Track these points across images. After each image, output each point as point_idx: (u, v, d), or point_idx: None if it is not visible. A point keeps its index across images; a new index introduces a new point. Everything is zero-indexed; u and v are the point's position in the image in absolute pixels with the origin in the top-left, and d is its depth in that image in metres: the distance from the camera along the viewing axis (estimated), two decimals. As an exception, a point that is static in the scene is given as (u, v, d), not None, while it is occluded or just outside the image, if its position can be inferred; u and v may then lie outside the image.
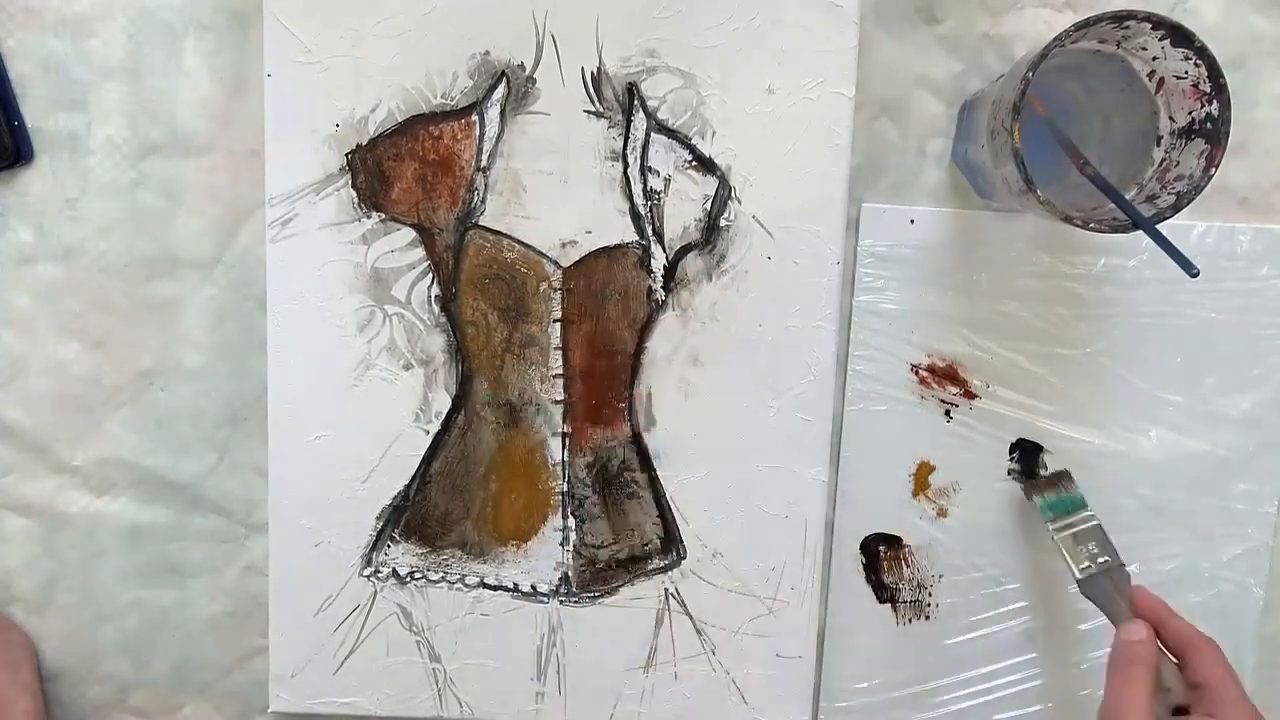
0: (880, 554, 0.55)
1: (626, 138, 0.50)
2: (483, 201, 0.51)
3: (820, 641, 0.55)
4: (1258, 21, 0.52)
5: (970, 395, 0.54)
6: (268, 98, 0.50)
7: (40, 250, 0.52)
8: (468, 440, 0.52)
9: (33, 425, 0.54)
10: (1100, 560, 0.50)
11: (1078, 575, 0.50)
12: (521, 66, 0.50)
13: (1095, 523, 0.51)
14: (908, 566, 0.55)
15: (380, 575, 0.53)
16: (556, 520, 0.53)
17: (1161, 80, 0.46)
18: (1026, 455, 0.54)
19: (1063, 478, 0.52)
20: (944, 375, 0.54)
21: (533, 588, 0.53)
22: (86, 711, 0.56)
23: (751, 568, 0.53)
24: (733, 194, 0.50)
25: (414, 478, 0.52)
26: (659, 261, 0.51)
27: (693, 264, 0.51)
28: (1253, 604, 0.55)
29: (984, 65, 0.52)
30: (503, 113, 0.50)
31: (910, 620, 0.55)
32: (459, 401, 0.52)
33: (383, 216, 0.51)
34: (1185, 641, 0.46)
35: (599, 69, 0.50)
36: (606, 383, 0.52)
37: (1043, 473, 0.53)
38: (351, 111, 0.50)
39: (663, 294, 0.51)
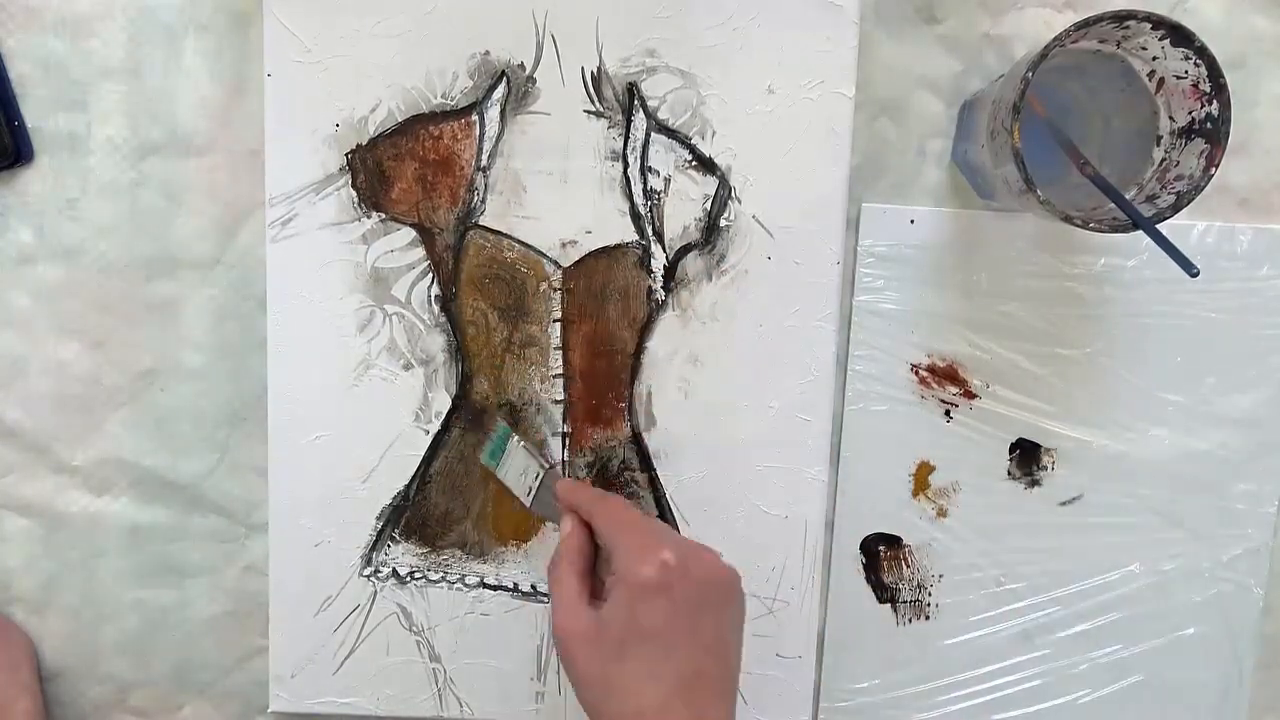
0: (880, 554, 0.55)
1: (626, 138, 0.50)
2: (483, 201, 0.51)
3: (820, 641, 0.55)
4: (1258, 21, 0.52)
5: (970, 395, 0.54)
6: (268, 98, 0.50)
7: (40, 250, 0.52)
8: (468, 440, 0.52)
9: (33, 425, 0.54)
10: (535, 476, 0.50)
11: (527, 504, 0.50)
12: (521, 66, 0.50)
13: (521, 443, 0.50)
14: (908, 566, 0.55)
15: (380, 575, 0.53)
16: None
17: (1161, 80, 0.46)
18: (1026, 455, 0.54)
19: (489, 420, 0.52)
20: (944, 375, 0.54)
21: (533, 588, 0.53)
22: (86, 711, 0.56)
23: (751, 568, 0.53)
24: (733, 194, 0.50)
25: (414, 478, 0.52)
26: (659, 261, 0.51)
27: (693, 264, 0.51)
28: (1253, 604, 0.55)
29: (984, 65, 0.52)
30: (503, 113, 0.50)
31: (910, 620, 0.55)
32: (459, 401, 0.52)
33: (383, 216, 0.51)
34: (591, 512, 0.45)
35: (599, 69, 0.50)
36: (606, 383, 0.52)
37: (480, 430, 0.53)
38: (351, 111, 0.50)
39: (663, 294, 0.51)
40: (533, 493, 0.50)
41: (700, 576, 0.42)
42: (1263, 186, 0.53)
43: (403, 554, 0.53)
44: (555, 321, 0.52)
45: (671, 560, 0.41)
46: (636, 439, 0.52)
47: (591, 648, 0.41)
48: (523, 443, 0.51)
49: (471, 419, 0.52)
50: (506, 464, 0.51)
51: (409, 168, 0.50)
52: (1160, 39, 0.43)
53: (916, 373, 0.54)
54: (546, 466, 0.50)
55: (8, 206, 0.52)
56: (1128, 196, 0.46)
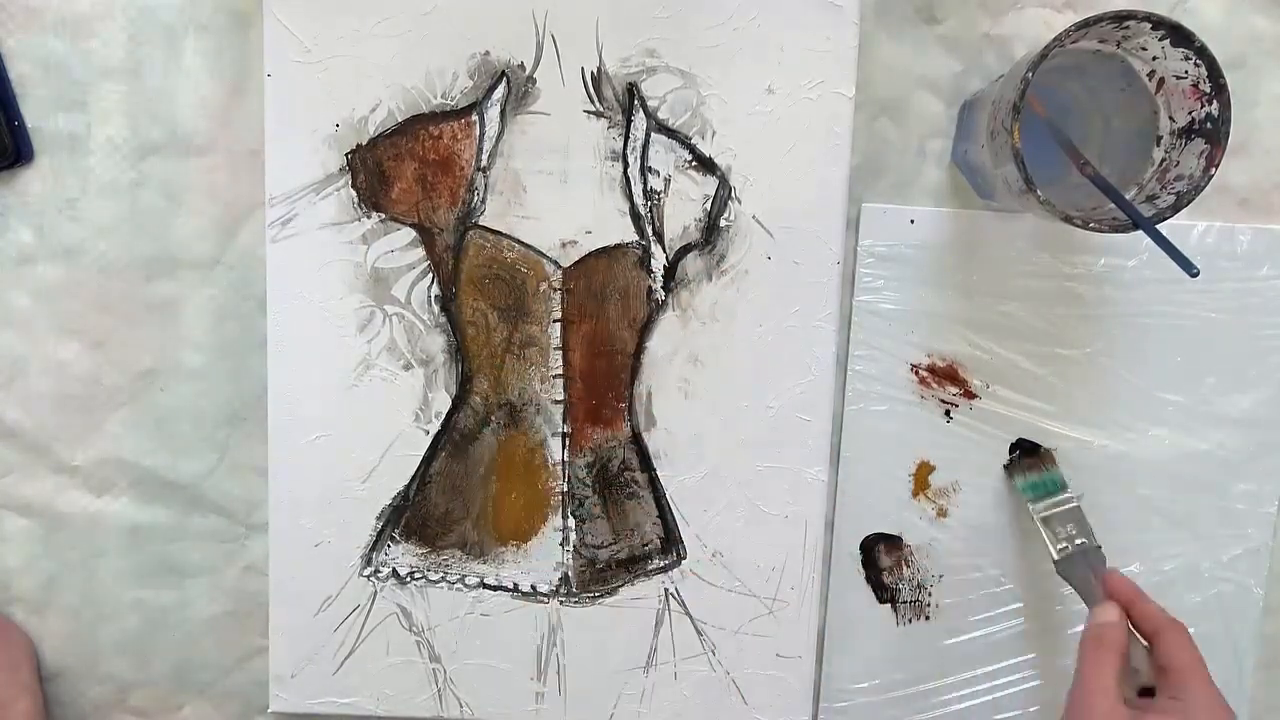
0: (880, 554, 0.55)
1: (626, 138, 0.50)
2: (483, 201, 0.51)
3: (820, 641, 0.55)
4: (1258, 21, 0.52)
5: (970, 395, 0.54)
6: (268, 98, 0.50)
7: (40, 250, 0.52)
8: (468, 440, 0.52)
9: (33, 425, 0.54)
10: (1078, 542, 0.50)
11: (1055, 556, 0.50)
12: (521, 66, 0.50)
13: (1074, 504, 0.51)
14: (908, 566, 0.55)
15: (380, 575, 0.53)
16: (556, 520, 0.53)
17: (1161, 80, 0.46)
18: (1026, 455, 0.54)
19: (1045, 458, 0.53)
20: (944, 375, 0.54)
21: (533, 588, 0.53)
22: (86, 711, 0.56)
23: (751, 568, 0.53)
24: (733, 194, 0.50)
25: (414, 478, 0.52)
26: (659, 261, 0.51)
27: (693, 264, 0.51)
28: (1253, 604, 0.55)
29: (984, 65, 0.52)
30: (503, 113, 0.50)
31: (910, 620, 0.55)
32: (459, 401, 0.52)
33: (383, 216, 0.51)
34: (1155, 624, 0.46)
35: (599, 69, 0.50)
36: (606, 383, 0.52)
37: (1028, 452, 0.53)
38: (351, 111, 0.50)
39: (663, 294, 0.51)
40: (1068, 553, 0.50)
41: None
42: (1263, 186, 0.53)
43: (403, 554, 0.53)
44: (555, 321, 0.52)
45: None
46: (636, 439, 0.52)
47: None
48: (1079, 505, 0.51)
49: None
50: (1050, 510, 0.51)
51: (409, 168, 0.50)
52: (1160, 39, 0.43)
53: (916, 373, 0.54)
54: (1096, 545, 0.50)
55: (8, 206, 0.52)
56: (1128, 196, 0.46)
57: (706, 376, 0.52)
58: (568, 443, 0.52)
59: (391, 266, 0.51)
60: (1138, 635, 0.47)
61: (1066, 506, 0.51)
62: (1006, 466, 0.53)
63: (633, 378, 0.52)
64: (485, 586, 0.53)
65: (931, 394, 0.54)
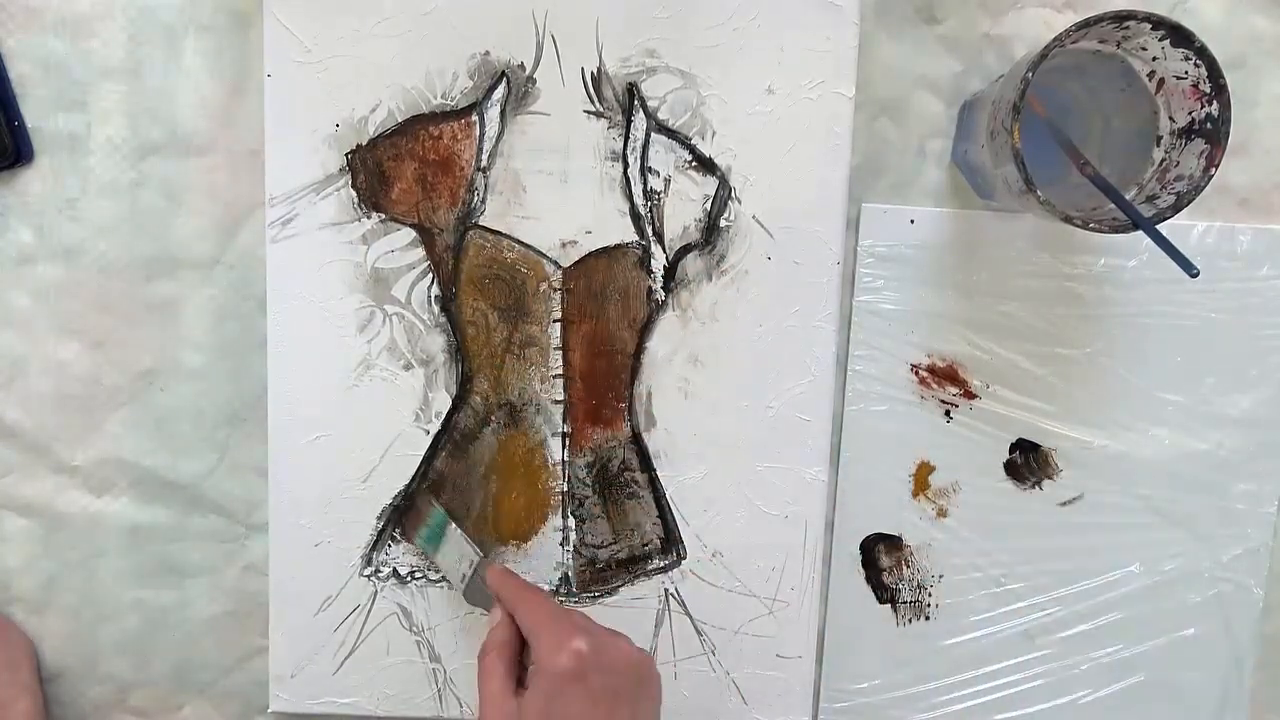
0: (880, 554, 0.55)
1: (626, 138, 0.50)
2: (483, 201, 0.51)
3: (820, 641, 0.55)
4: (1258, 21, 0.52)
5: (970, 395, 0.54)
6: (268, 98, 0.50)
7: (40, 250, 0.52)
8: (468, 440, 0.52)
9: (33, 425, 0.54)
10: (469, 565, 0.50)
11: (460, 591, 0.50)
12: (521, 66, 0.50)
13: (457, 530, 0.50)
14: (908, 566, 0.55)
15: (380, 575, 0.53)
16: (556, 520, 0.53)
17: (1161, 80, 0.46)
18: (1026, 455, 0.54)
19: (423, 503, 0.52)
20: (944, 375, 0.54)
21: (533, 588, 0.53)
22: (86, 711, 0.56)
23: (751, 568, 0.53)
24: (733, 194, 0.50)
25: (414, 478, 0.52)
26: (659, 261, 0.51)
27: (693, 264, 0.51)
28: (1253, 604, 0.55)
29: (984, 65, 0.52)
30: (503, 113, 0.50)
31: (910, 620, 0.55)
32: (459, 401, 0.52)
33: (383, 216, 0.51)
34: (514, 604, 0.46)
35: (599, 69, 0.50)
36: (606, 383, 0.52)
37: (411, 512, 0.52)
38: (351, 111, 0.50)
39: (663, 294, 0.51)
40: (466, 580, 0.50)
41: (614, 665, 0.43)
42: (1263, 186, 0.53)
43: (403, 554, 0.53)
44: (555, 321, 0.52)
45: (585, 649, 0.42)
46: (636, 439, 0.52)
47: None
48: (458, 530, 0.50)
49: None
50: (443, 550, 0.50)
51: (409, 168, 0.50)
52: (1160, 39, 0.43)
53: (916, 373, 0.54)
54: (480, 555, 0.50)
55: (8, 206, 0.52)
56: (1128, 196, 0.46)
57: (706, 376, 0.52)
58: (568, 443, 0.52)
59: (391, 266, 0.51)
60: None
61: (454, 538, 0.50)
62: (404, 533, 0.52)
63: (633, 378, 0.52)
64: (485, 586, 0.53)
65: (931, 394, 0.54)
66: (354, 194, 0.50)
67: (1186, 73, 0.44)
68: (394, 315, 0.51)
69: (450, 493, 0.53)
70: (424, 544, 0.51)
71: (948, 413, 0.54)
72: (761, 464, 0.52)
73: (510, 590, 0.47)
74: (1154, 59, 0.45)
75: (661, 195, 0.51)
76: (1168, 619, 0.55)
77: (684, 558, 0.53)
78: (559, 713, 0.41)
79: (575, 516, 0.53)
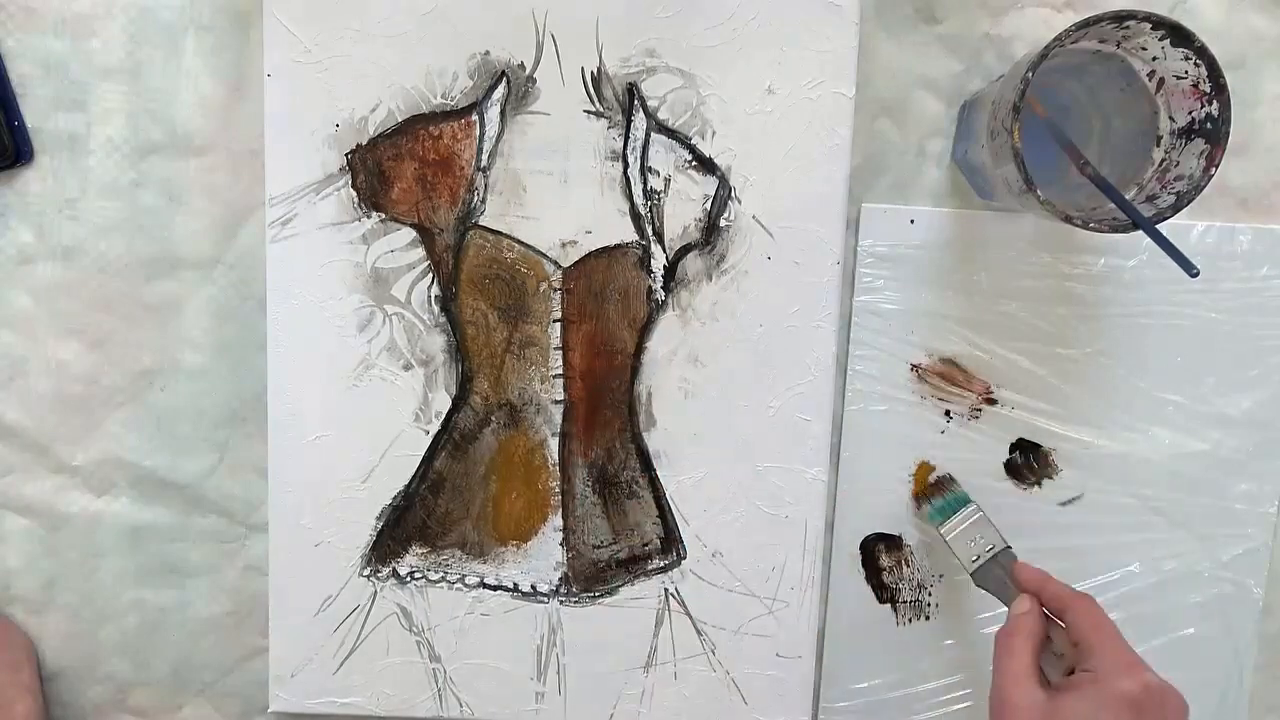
0: (880, 554, 0.55)
1: (626, 138, 0.50)
2: (483, 201, 0.51)
3: (820, 641, 0.55)
4: (1258, 21, 0.52)
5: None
6: (268, 98, 0.50)
7: (40, 250, 0.52)
8: (468, 440, 0.52)
9: (33, 425, 0.54)
10: (988, 549, 0.50)
11: (969, 570, 0.50)
12: (521, 66, 0.50)
13: (980, 514, 0.51)
14: (908, 566, 0.55)
15: (380, 575, 0.53)
16: (556, 520, 0.53)
17: (1161, 80, 0.46)
18: (1026, 455, 0.54)
19: (946, 481, 0.53)
20: (944, 376, 0.53)
21: (533, 588, 0.53)
22: (86, 711, 0.56)
23: (751, 568, 0.53)
24: (733, 194, 0.50)
25: (414, 478, 0.52)
26: (659, 261, 0.51)
27: (693, 264, 0.51)
28: (1253, 604, 0.55)
29: (984, 65, 0.52)
30: (503, 113, 0.50)
31: (910, 620, 0.55)
32: (459, 401, 0.52)
33: (383, 216, 0.51)
34: (1063, 602, 0.46)
35: (599, 69, 0.50)
36: (606, 383, 0.52)
37: (930, 480, 0.54)
38: (351, 111, 0.50)
39: (663, 294, 0.51)
40: (981, 562, 0.50)
41: (1168, 711, 0.43)
42: (1263, 186, 0.53)
43: (403, 553, 0.53)
44: (555, 321, 0.52)
45: (1154, 685, 0.42)
46: (636, 439, 0.52)
47: None
48: (984, 513, 0.51)
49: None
50: (958, 528, 0.51)
51: (409, 168, 0.50)
52: (1160, 39, 0.43)
53: (916, 372, 0.54)
54: (1007, 545, 0.50)
55: (8, 206, 0.52)
56: (1128, 196, 0.46)
57: (706, 376, 0.52)
58: (567, 443, 0.52)
59: (391, 266, 0.51)
60: (1055, 619, 0.47)
61: (973, 520, 0.51)
62: (914, 498, 0.54)
63: (633, 378, 0.52)
64: (485, 586, 0.53)
65: (931, 394, 0.54)
66: (354, 194, 0.50)
67: (1186, 72, 0.44)
68: (394, 315, 0.51)
69: (450, 493, 0.53)
70: (933, 516, 0.52)
71: (948, 413, 0.54)
72: (761, 464, 0.52)
73: (1059, 590, 0.47)
74: (1154, 59, 0.45)
75: (661, 195, 0.51)
76: (1168, 619, 0.55)
77: (684, 558, 0.53)
78: None
79: (575, 516, 0.53)
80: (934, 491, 0.53)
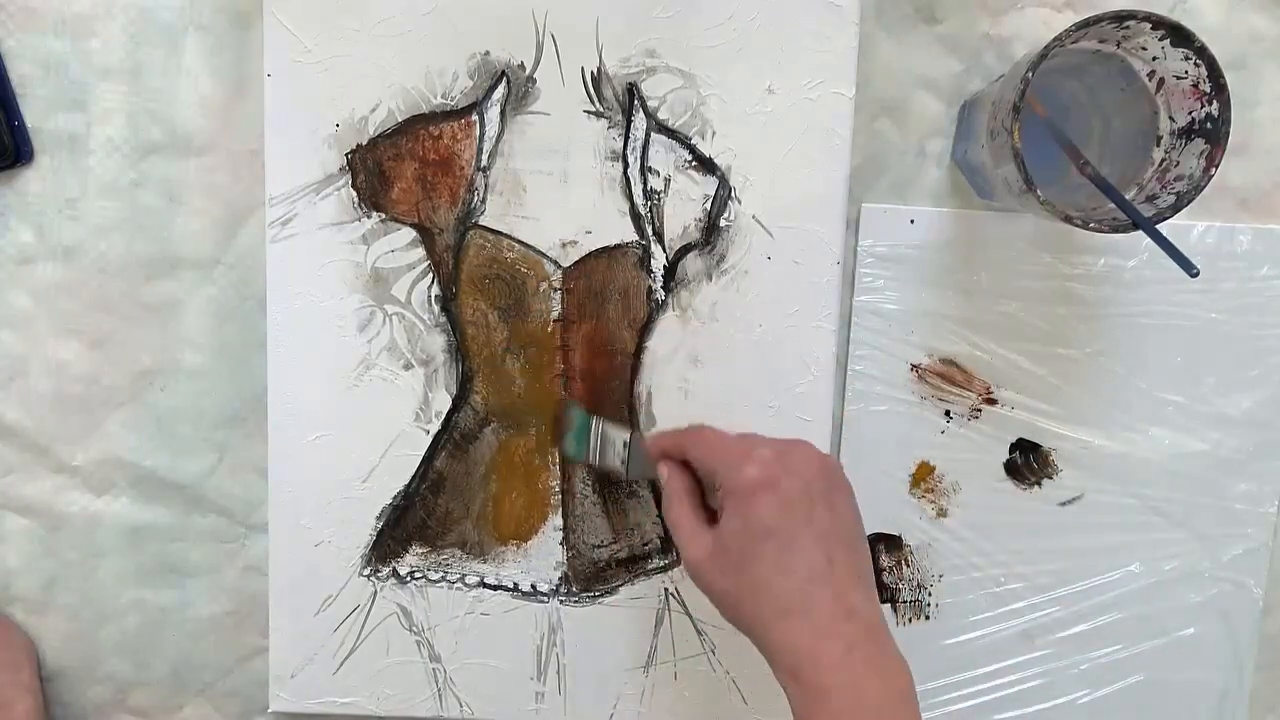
0: (880, 554, 0.55)
1: (626, 138, 0.50)
2: (483, 201, 0.51)
3: (820, 641, 0.55)
4: (1258, 21, 0.52)
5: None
6: (268, 98, 0.50)
7: (40, 250, 0.52)
8: (468, 440, 0.52)
9: (33, 425, 0.54)
10: (623, 446, 0.49)
11: (624, 474, 0.49)
12: (521, 66, 0.50)
13: (599, 420, 0.49)
14: (908, 566, 0.55)
15: (380, 575, 0.53)
16: (556, 520, 0.53)
17: (1161, 80, 0.46)
18: (1026, 455, 0.54)
19: (564, 409, 0.51)
20: (944, 375, 0.53)
21: (533, 587, 0.53)
22: (86, 711, 0.56)
23: (751, 568, 0.53)
24: (733, 194, 0.50)
25: (414, 478, 0.52)
26: (659, 261, 0.51)
27: (693, 264, 0.51)
28: (1253, 604, 0.55)
29: (984, 65, 0.52)
30: (503, 113, 0.50)
31: (910, 620, 0.55)
32: (459, 401, 0.52)
33: (383, 216, 0.51)
34: (683, 448, 0.45)
35: (599, 69, 0.50)
36: (606, 383, 0.52)
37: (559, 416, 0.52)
38: (351, 111, 0.50)
39: (663, 294, 0.51)
40: (625, 460, 0.48)
41: (802, 468, 0.42)
42: (1263, 186, 0.53)
43: (403, 553, 0.53)
44: (555, 321, 0.52)
45: (770, 456, 0.41)
46: (636, 439, 0.52)
47: (718, 565, 0.41)
48: (602, 421, 0.49)
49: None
50: (596, 448, 0.49)
51: (409, 168, 0.50)
52: (1160, 39, 0.43)
53: (916, 372, 0.54)
54: (631, 430, 0.49)
55: (8, 206, 0.52)
56: (1128, 196, 0.46)
57: (706, 376, 0.52)
58: (568, 443, 0.52)
59: (391, 266, 0.51)
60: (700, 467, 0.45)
61: (602, 432, 0.49)
62: (558, 445, 0.52)
63: (633, 378, 0.52)
64: (485, 586, 0.53)
65: (932, 394, 0.54)
66: (354, 194, 0.50)
67: (1186, 72, 0.44)
68: (394, 315, 0.51)
69: (450, 492, 0.53)
70: (575, 452, 0.50)
71: (948, 413, 0.54)
72: (761, 464, 0.52)
73: (673, 438, 0.46)
74: (1154, 59, 0.45)
75: (661, 195, 0.51)
76: (1168, 619, 0.55)
77: (684, 558, 0.53)
78: (757, 526, 0.40)
79: (575, 516, 0.53)
80: (562, 427, 0.51)
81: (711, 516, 0.44)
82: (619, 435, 0.49)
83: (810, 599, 0.39)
